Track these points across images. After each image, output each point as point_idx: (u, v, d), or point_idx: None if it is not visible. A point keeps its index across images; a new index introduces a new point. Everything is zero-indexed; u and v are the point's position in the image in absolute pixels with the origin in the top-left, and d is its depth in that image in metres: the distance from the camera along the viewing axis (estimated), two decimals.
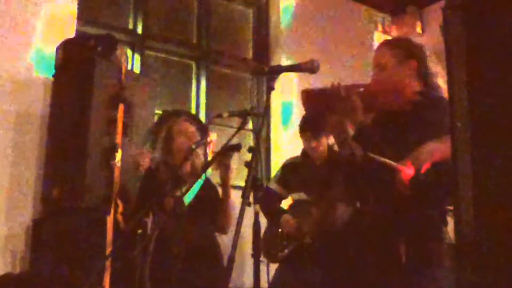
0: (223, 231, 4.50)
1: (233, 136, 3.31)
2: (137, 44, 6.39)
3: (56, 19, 5.50)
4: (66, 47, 4.99)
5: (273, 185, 5.02)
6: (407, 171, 2.86)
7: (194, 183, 4.27)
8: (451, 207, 3.21)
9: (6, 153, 5.08)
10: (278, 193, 4.98)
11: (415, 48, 3.37)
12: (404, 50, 3.32)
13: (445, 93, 3.23)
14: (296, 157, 5.04)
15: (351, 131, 3.16)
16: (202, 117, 6.54)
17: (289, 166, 5.04)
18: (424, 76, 3.29)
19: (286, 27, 7.17)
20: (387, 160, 2.89)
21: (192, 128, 4.55)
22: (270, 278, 3.63)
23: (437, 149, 2.86)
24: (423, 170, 2.86)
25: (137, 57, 6.34)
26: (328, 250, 3.66)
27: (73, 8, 5.66)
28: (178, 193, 4.23)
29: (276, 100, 6.69)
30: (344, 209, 3.54)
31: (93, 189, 4.56)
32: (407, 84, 3.22)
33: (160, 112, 5.67)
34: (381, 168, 2.97)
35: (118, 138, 4.68)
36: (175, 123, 4.59)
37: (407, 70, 3.27)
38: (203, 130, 4.72)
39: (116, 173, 4.59)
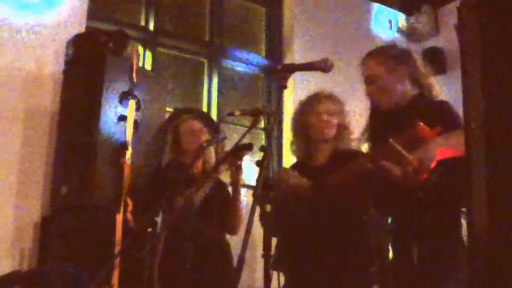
0: (233, 232, 4.51)
1: (244, 134, 3.29)
2: (149, 41, 6.39)
3: (67, 14, 5.49)
4: (76, 43, 5.00)
5: None
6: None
7: (205, 182, 4.26)
8: (464, 209, 3.20)
9: (15, 149, 5.08)
10: None
11: (402, 53, 3.40)
12: (391, 57, 3.36)
13: (438, 92, 3.28)
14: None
15: None
16: (214, 115, 6.55)
17: (296, 166, 5.02)
18: (417, 79, 3.33)
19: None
20: (403, 151, 2.87)
21: (198, 125, 4.57)
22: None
23: (445, 145, 2.88)
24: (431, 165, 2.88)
25: (148, 54, 6.34)
26: (332, 248, 3.66)
27: (84, 3, 5.65)
28: (188, 192, 4.21)
29: (289, 98, 6.64)
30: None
31: (102, 186, 4.56)
32: (401, 90, 3.30)
33: (171, 109, 5.65)
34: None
35: (129, 136, 4.67)
36: (180, 123, 4.60)
37: (398, 76, 3.31)
38: (213, 126, 4.71)
39: (126, 171, 4.59)
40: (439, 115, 3.09)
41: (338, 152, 3.78)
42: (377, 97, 3.37)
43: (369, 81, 3.38)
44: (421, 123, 2.97)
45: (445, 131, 2.92)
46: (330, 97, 3.95)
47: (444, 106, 3.19)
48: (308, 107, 3.98)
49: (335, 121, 3.84)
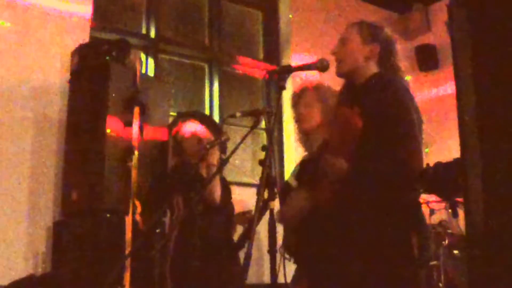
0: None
1: (246, 135, 3.32)
2: (151, 48, 6.47)
3: (71, 26, 5.58)
4: (81, 53, 5.01)
5: (291, 180, 5.06)
6: None
7: (210, 182, 4.33)
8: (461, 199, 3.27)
9: (25, 157, 5.15)
10: (292, 188, 5.01)
11: (383, 36, 3.41)
12: (372, 33, 3.38)
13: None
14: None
15: None
16: (216, 117, 6.61)
17: (305, 161, 5.08)
18: (386, 64, 3.35)
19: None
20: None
21: (196, 126, 4.60)
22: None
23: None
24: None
25: (150, 60, 6.41)
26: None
27: (87, 14, 5.73)
28: (194, 193, 4.29)
29: (288, 98, 6.70)
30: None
31: (111, 190, 4.57)
32: (363, 65, 3.34)
33: (174, 113, 5.71)
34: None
35: (134, 140, 4.70)
36: (179, 127, 4.64)
37: (367, 51, 3.34)
38: (216, 128, 4.75)
39: (133, 174, 4.61)
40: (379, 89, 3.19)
41: (326, 140, 3.70)
42: (338, 58, 3.39)
43: (341, 41, 3.41)
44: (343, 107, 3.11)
45: (369, 109, 3.06)
46: (309, 89, 3.99)
47: (390, 82, 3.24)
48: (291, 102, 4.10)
49: (315, 110, 3.89)
